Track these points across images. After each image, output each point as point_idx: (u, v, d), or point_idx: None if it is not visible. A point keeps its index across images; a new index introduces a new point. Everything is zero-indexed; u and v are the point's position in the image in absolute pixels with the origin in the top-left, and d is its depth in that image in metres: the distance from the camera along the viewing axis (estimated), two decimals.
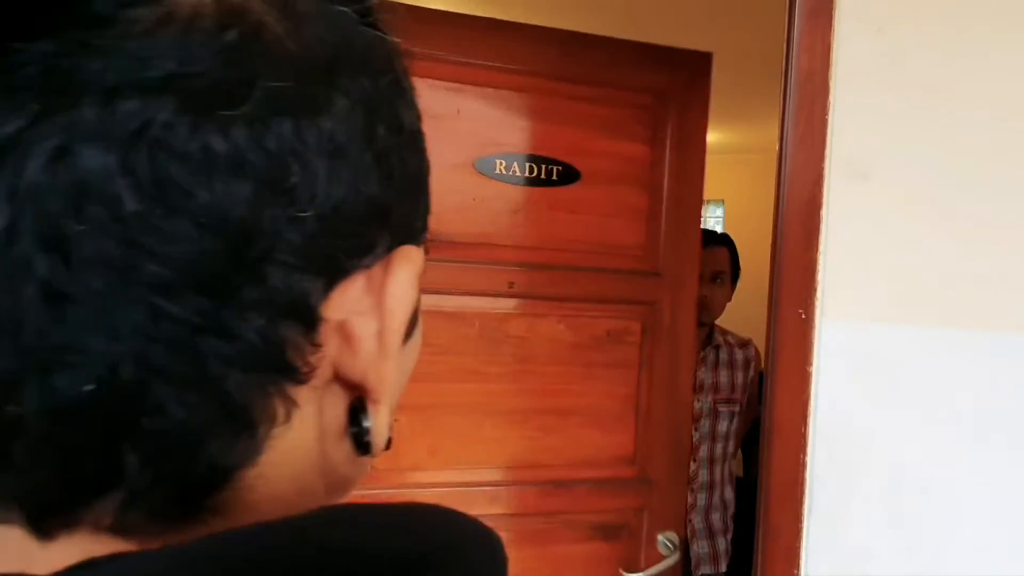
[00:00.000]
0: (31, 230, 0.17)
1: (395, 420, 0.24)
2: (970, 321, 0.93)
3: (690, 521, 1.80)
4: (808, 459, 0.97)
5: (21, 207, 0.17)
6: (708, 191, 6.60)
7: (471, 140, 1.33)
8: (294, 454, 0.22)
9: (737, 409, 1.83)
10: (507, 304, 1.37)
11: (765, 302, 1.07)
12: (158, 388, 0.19)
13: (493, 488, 1.36)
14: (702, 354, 1.82)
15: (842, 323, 0.97)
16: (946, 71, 0.93)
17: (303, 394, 0.22)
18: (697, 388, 1.77)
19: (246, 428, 0.21)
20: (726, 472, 1.87)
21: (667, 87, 1.43)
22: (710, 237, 1.84)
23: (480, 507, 1.34)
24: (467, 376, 1.34)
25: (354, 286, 0.22)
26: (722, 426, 1.81)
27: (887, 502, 0.96)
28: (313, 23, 0.21)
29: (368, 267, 0.23)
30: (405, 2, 1.22)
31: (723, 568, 1.83)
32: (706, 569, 1.81)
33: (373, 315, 0.23)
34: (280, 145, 0.19)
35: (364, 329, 0.22)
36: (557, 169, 1.38)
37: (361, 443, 0.24)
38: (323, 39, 0.21)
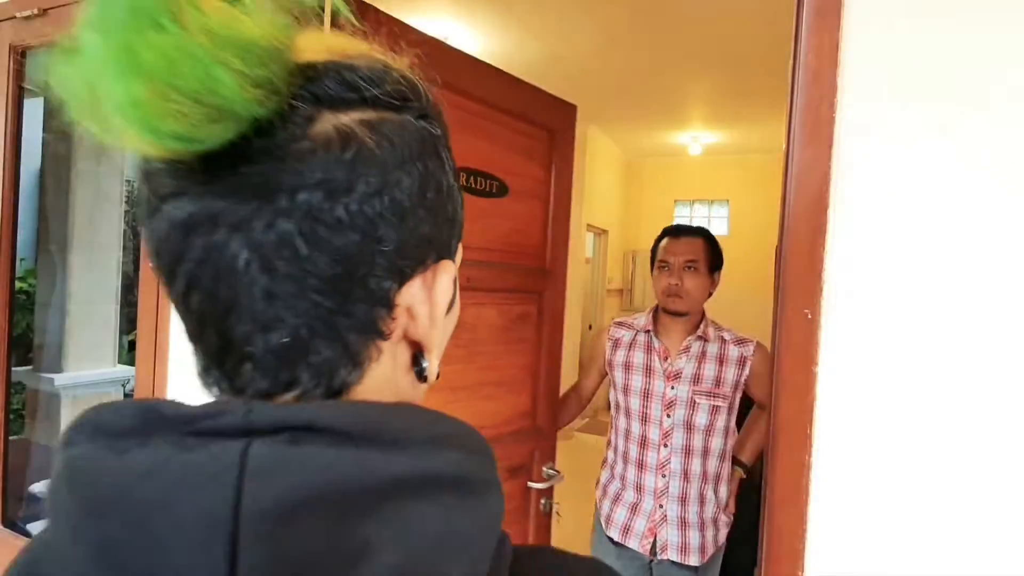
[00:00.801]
0: (257, 263, 0.32)
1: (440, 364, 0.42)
2: (980, 323, 0.89)
3: (661, 507, 1.79)
4: (813, 460, 0.96)
5: (253, 251, 0.31)
6: (713, 191, 6.67)
7: None
8: (379, 380, 0.37)
9: (721, 404, 1.77)
10: (465, 296, 1.68)
11: (767, 300, 1.06)
12: (317, 342, 0.34)
13: None
14: (685, 343, 1.81)
15: (849, 323, 0.95)
16: (957, 71, 0.90)
17: (385, 346, 0.37)
18: (674, 376, 1.79)
19: (358, 364, 0.36)
20: (709, 467, 1.78)
21: (556, 126, 1.86)
22: (683, 229, 1.89)
23: None
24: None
25: (415, 284, 0.37)
26: (699, 418, 1.76)
27: (892, 504, 0.93)
28: (391, 134, 0.35)
29: (423, 273, 0.37)
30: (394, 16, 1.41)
31: (692, 561, 1.76)
32: (673, 556, 1.77)
33: (426, 302, 0.37)
34: (373, 213, 0.33)
35: (421, 310, 0.37)
36: (496, 183, 1.67)
37: (421, 376, 0.39)
38: (396, 144, 0.35)
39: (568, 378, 2.12)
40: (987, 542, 0.90)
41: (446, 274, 0.38)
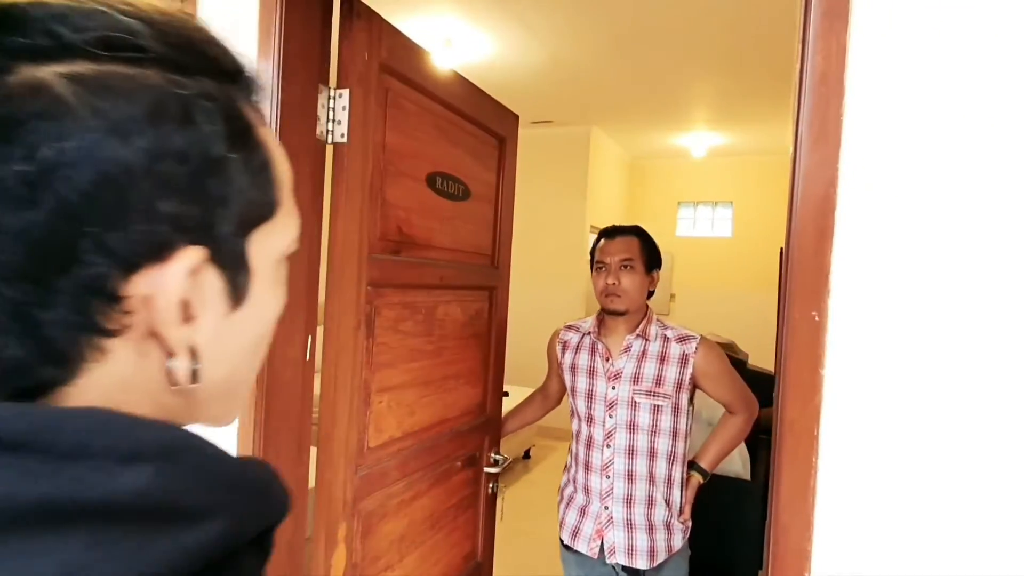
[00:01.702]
0: None
1: (198, 367, 0.34)
2: (987, 324, 0.89)
3: (607, 508, 1.78)
4: (819, 461, 0.96)
5: None
6: (716, 193, 6.68)
7: (425, 159, 1.59)
8: (110, 382, 0.32)
9: (663, 403, 1.73)
10: (438, 294, 1.70)
11: (770, 302, 1.09)
12: (5, 337, 0.29)
13: (429, 443, 1.70)
14: (625, 343, 1.78)
15: (855, 326, 0.94)
16: (965, 73, 0.89)
17: (117, 344, 0.31)
18: (614, 376, 1.78)
19: (65, 363, 0.31)
20: (657, 469, 1.75)
21: (505, 133, 1.99)
22: (618, 230, 1.87)
23: (422, 459, 1.68)
24: (416, 355, 1.63)
25: (153, 272, 0.31)
26: (642, 418, 1.74)
27: (899, 505, 0.93)
28: (105, 91, 0.28)
29: (164, 260, 0.31)
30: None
31: (639, 564, 1.74)
32: (621, 559, 1.75)
33: (171, 294, 0.32)
34: (69, 187, 0.27)
35: (162, 302, 0.31)
36: (462, 187, 1.76)
37: (171, 378, 0.34)
38: (110, 103, 0.28)
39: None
40: (994, 543, 0.90)
41: (179, 264, 0.31)
